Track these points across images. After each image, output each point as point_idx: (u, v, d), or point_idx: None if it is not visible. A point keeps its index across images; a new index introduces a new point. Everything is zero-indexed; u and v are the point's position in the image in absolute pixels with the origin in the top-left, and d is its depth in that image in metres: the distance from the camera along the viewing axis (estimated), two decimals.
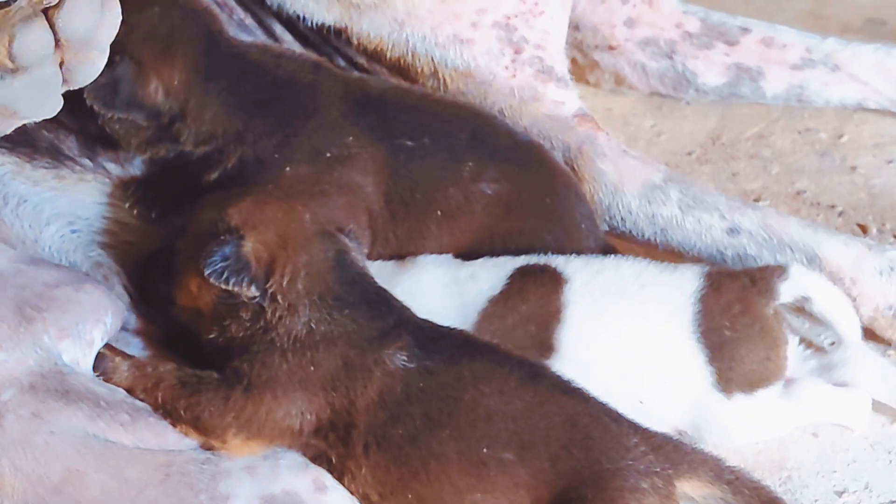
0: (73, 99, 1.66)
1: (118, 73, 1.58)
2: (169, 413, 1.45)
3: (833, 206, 1.93)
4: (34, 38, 1.27)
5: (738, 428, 1.57)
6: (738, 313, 1.55)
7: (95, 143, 1.69)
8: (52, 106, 1.34)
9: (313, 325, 1.45)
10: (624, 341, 1.55)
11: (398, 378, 1.43)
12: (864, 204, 1.93)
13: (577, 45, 2.07)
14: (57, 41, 1.29)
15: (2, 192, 1.64)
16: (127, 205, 1.67)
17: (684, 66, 2.07)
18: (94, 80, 1.46)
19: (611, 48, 2.07)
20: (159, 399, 1.45)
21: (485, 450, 1.39)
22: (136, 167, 1.71)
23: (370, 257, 1.66)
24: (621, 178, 1.76)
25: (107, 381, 1.47)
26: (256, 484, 1.41)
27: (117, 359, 1.49)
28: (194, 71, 1.63)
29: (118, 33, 1.38)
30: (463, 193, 1.67)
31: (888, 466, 1.57)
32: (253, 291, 1.44)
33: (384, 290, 1.52)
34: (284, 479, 1.42)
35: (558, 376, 1.46)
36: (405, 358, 1.44)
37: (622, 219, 1.77)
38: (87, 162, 1.69)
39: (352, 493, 1.43)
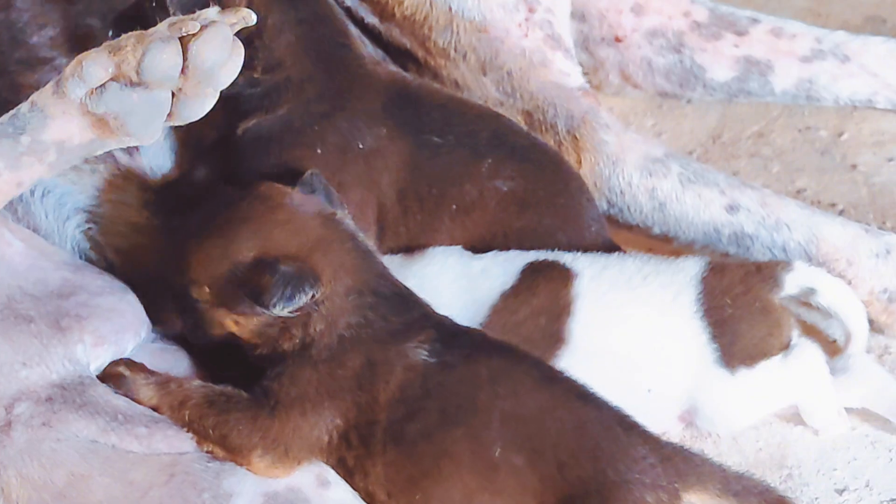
0: None
1: None
2: (196, 431, 1.44)
3: (833, 205, 1.93)
4: (166, 57, 1.32)
5: (742, 406, 1.58)
6: (739, 293, 1.57)
7: None
8: (153, 133, 1.38)
9: (349, 327, 1.44)
10: (631, 329, 1.57)
11: (418, 372, 1.43)
12: (865, 202, 1.93)
13: (584, 41, 2.06)
14: (184, 68, 1.34)
15: None
16: (146, 214, 1.68)
17: (692, 60, 2.06)
18: None
19: (617, 40, 2.07)
20: (186, 417, 1.44)
21: (497, 452, 1.39)
22: (143, 155, 1.71)
23: (380, 251, 1.66)
24: (623, 149, 1.77)
25: (130, 399, 1.47)
26: (260, 481, 1.41)
27: (138, 377, 1.48)
28: None
29: None
30: (478, 189, 1.68)
31: (889, 464, 1.57)
32: (315, 291, 1.42)
33: (406, 287, 1.51)
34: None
35: (572, 380, 1.46)
36: (427, 352, 1.43)
37: (621, 191, 1.77)
38: None
39: (358, 490, 1.43)
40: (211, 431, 1.43)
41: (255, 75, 1.64)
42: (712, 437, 1.62)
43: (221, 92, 1.55)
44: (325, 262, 1.44)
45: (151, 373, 1.49)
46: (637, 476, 1.38)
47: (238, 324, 1.46)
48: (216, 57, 1.34)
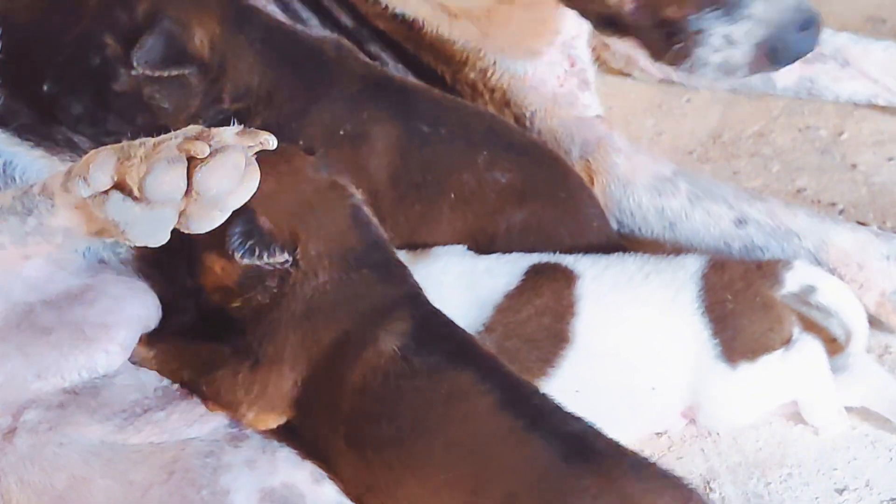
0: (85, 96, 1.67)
1: (163, 32, 1.58)
2: (195, 391, 1.48)
3: (833, 204, 1.93)
4: (167, 181, 1.28)
5: (743, 401, 1.58)
6: (740, 289, 1.58)
7: (103, 138, 1.70)
8: (159, 240, 1.34)
9: (329, 288, 1.45)
10: (634, 328, 1.58)
11: (383, 364, 1.42)
12: (865, 201, 1.93)
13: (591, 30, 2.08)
14: (188, 190, 1.29)
15: None
16: None
17: None
18: (141, 45, 1.52)
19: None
20: (185, 378, 1.48)
21: (441, 476, 1.38)
22: None
23: None
24: (633, 171, 1.79)
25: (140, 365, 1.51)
26: (256, 477, 1.42)
27: (141, 348, 1.51)
28: (226, 21, 1.64)
29: None
30: (476, 179, 1.69)
31: (889, 464, 1.57)
32: (286, 257, 1.44)
33: (404, 267, 1.52)
34: (283, 471, 1.44)
35: (529, 404, 1.42)
36: (397, 346, 1.43)
37: (631, 213, 1.79)
38: None
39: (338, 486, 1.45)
40: (206, 390, 1.47)
41: (226, 106, 1.66)
42: (712, 436, 1.62)
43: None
44: (308, 226, 1.45)
45: (152, 342, 1.53)
46: None
47: (223, 269, 1.47)
48: (223, 186, 1.30)
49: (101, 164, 1.31)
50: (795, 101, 2.11)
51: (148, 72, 1.59)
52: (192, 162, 1.28)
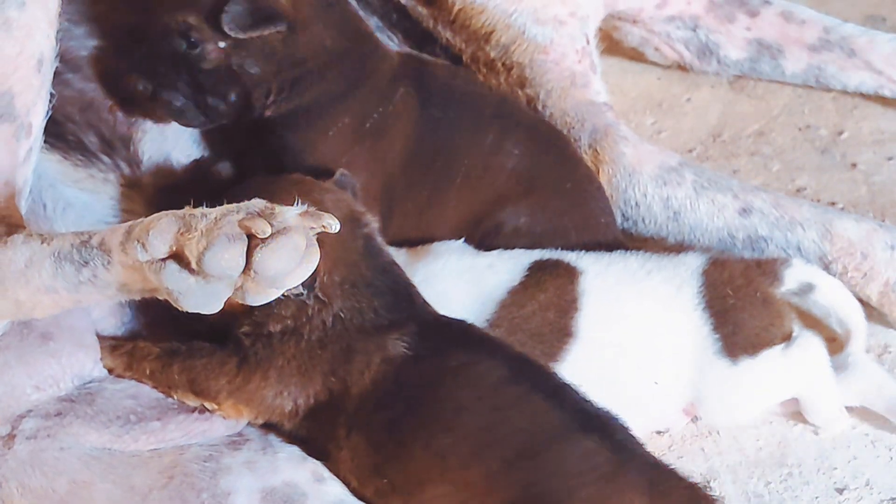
0: (92, 97, 1.68)
1: None
2: (160, 382, 1.47)
3: (833, 203, 1.93)
4: (226, 258, 1.26)
5: (744, 396, 1.59)
6: (740, 285, 1.59)
7: (111, 139, 1.70)
8: (212, 309, 1.32)
9: (343, 315, 1.46)
10: (636, 323, 1.59)
11: (395, 365, 1.43)
12: (865, 201, 1.93)
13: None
14: (246, 269, 1.27)
15: (52, 196, 1.65)
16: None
17: (707, 37, 2.10)
18: (228, 10, 1.52)
19: (635, 22, 2.11)
20: (147, 370, 1.48)
21: (446, 438, 1.38)
22: (144, 169, 1.71)
23: (389, 228, 1.67)
24: (640, 161, 1.79)
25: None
26: (256, 478, 1.43)
27: (106, 356, 1.52)
28: None
29: None
30: (483, 163, 1.70)
31: (889, 463, 1.58)
32: (300, 289, 1.43)
33: (412, 286, 1.52)
34: (284, 471, 1.44)
35: (545, 379, 1.44)
36: (406, 345, 1.44)
37: (636, 203, 1.79)
38: (105, 159, 1.70)
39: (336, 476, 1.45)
40: (177, 377, 1.46)
41: (309, 66, 1.65)
42: (712, 435, 1.62)
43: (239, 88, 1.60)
44: (327, 258, 1.44)
45: (104, 341, 1.54)
46: (576, 488, 1.35)
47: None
48: (281, 267, 1.27)
49: (161, 233, 1.28)
50: (796, 101, 2.11)
51: (240, 35, 1.56)
52: (252, 240, 1.26)
